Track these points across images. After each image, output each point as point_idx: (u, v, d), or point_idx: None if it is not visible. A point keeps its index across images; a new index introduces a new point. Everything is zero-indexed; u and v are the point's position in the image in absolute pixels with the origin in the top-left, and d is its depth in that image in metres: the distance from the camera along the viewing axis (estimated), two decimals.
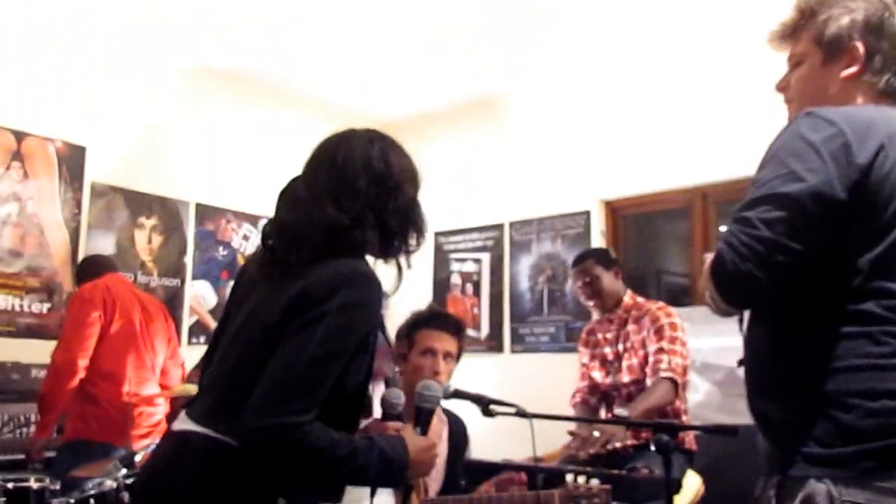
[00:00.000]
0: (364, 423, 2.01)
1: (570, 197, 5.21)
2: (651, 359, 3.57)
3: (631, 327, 3.72)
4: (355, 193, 1.74)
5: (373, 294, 1.66)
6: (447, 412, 3.13)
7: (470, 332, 5.50)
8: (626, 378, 3.68)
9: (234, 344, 1.76)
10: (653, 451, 3.39)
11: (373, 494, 1.89)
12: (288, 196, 1.86)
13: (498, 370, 5.25)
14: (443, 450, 3.05)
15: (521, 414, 2.59)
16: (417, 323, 3.03)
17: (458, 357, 3.03)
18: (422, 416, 1.85)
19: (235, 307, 1.86)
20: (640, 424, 3.44)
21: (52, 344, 3.95)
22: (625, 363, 3.70)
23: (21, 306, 4.48)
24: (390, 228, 1.77)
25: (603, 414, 3.86)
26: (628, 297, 3.82)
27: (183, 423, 1.73)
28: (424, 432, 1.82)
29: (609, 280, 3.81)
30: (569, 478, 2.75)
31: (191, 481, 1.65)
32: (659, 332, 3.59)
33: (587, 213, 5.14)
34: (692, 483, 3.57)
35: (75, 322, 3.77)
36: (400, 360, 3.02)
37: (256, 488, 1.63)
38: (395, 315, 5.39)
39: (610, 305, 3.81)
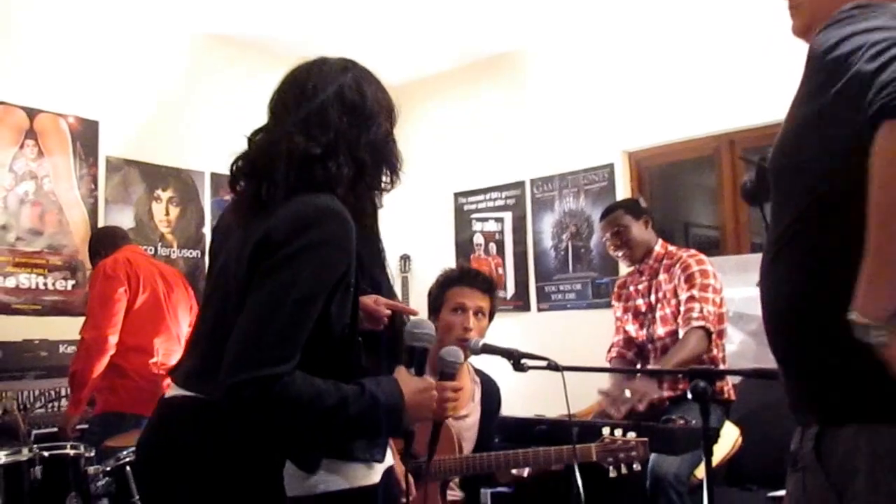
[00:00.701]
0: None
1: (591, 150, 5.10)
2: (682, 308, 3.48)
3: (662, 277, 3.64)
4: (326, 123, 1.64)
5: (340, 230, 1.56)
6: (479, 373, 3.11)
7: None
8: (660, 330, 3.61)
9: (211, 300, 1.68)
10: (689, 403, 3.38)
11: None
12: (258, 131, 1.74)
13: (525, 329, 5.20)
14: (476, 410, 3.02)
15: (553, 367, 2.53)
16: (448, 281, 3.01)
17: (490, 316, 2.99)
18: (415, 356, 1.75)
19: (213, 260, 1.77)
20: (676, 372, 3.40)
21: (79, 321, 3.93)
22: (658, 314, 3.62)
23: (45, 284, 4.47)
24: (363, 162, 1.66)
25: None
26: (659, 247, 3.72)
27: (171, 390, 1.68)
28: (419, 373, 1.72)
29: (638, 230, 3.71)
30: (605, 431, 2.72)
31: (178, 446, 1.59)
32: (689, 280, 3.50)
33: (610, 166, 5.03)
34: (730, 434, 3.53)
35: (101, 299, 3.75)
36: (431, 320, 2.99)
37: (246, 447, 1.56)
38: (419, 278, 5.41)
39: (640, 256, 3.72)
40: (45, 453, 2.66)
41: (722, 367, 3.61)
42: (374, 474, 2.06)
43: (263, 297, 1.49)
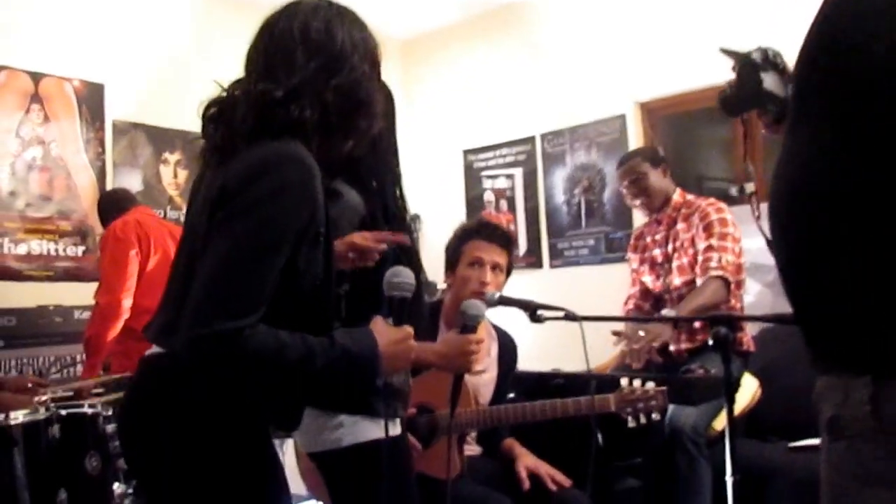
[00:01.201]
0: None
1: (602, 102, 5.01)
2: (700, 257, 3.42)
3: (680, 226, 3.57)
4: (291, 66, 1.57)
5: (299, 177, 1.49)
6: (497, 328, 3.08)
7: None
8: (677, 280, 3.55)
9: (179, 256, 1.64)
10: (708, 354, 3.35)
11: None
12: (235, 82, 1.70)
13: (538, 287, 5.10)
14: (493, 366, 3.00)
15: (570, 317, 2.50)
16: (465, 235, 2.97)
17: (507, 272, 2.94)
18: (394, 306, 1.70)
19: (186, 214, 1.72)
20: (696, 319, 3.37)
21: (91, 286, 3.93)
22: (675, 264, 3.56)
23: (56, 251, 4.46)
24: (330, 105, 1.59)
25: None
26: (678, 196, 3.66)
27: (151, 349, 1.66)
28: (398, 323, 1.67)
29: (656, 178, 3.63)
30: (623, 381, 2.69)
31: (153, 404, 1.56)
32: (708, 229, 3.44)
33: (622, 118, 4.94)
34: (749, 386, 3.49)
35: (113, 262, 3.73)
36: (448, 274, 2.95)
37: (220, 402, 1.52)
38: (430, 239, 5.37)
39: (658, 205, 3.65)
40: (63, 412, 2.64)
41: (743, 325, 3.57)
42: (395, 427, 2.05)
43: (220, 249, 1.45)
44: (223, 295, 1.41)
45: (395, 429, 2.08)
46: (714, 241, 3.40)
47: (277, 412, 1.66)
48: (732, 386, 2.31)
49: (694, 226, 3.51)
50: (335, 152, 1.68)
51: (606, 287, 4.31)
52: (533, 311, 2.66)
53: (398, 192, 2.16)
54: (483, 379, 2.96)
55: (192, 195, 1.70)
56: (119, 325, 3.66)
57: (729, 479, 2.27)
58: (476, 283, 2.85)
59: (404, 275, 1.74)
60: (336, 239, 1.95)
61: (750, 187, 2.30)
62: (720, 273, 3.34)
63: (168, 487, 1.58)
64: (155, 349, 1.61)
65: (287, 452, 3.90)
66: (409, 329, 1.67)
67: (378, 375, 1.60)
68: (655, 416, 2.64)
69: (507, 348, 3.07)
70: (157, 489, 1.64)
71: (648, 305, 3.76)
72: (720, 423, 3.24)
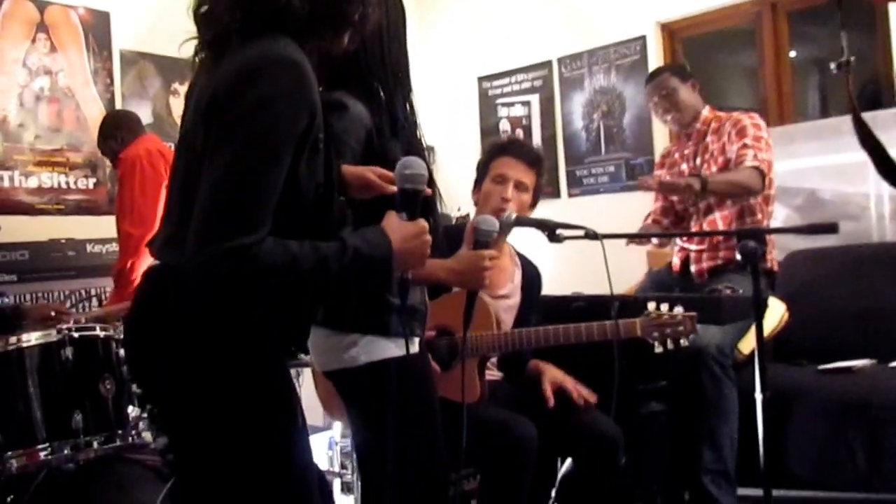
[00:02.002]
0: None
1: (621, 23, 4.83)
2: (733, 156, 3.34)
3: (710, 138, 3.50)
4: None
5: (292, 79, 1.43)
6: (520, 256, 3.00)
7: None
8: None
9: (177, 167, 1.57)
10: (733, 274, 3.27)
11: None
12: None
13: (556, 217, 5.00)
14: (516, 293, 2.93)
15: (591, 235, 2.44)
16: (494, 151, 2.90)
17: (534, 194, 2.85)
18: (407, 199, 1.62)
19: (182, 120, 1.66)
20: (719, 233, 3.32)
21: (103, 219, 3.87)
22: (703, 174, 3.45)
23: (67, 183, 4.40)
24: None
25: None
26: (707, 111, 3.58)
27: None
28: (412, 217, 1.60)
29: (686, 92, 3.56)
30: (650, 305, 2.61)
31: (156, 317, 1.51)
32: (741, 133, 3.36)
33: (642, 39, 4.77)
34: (776, 309, 3.42)
35: (144, 193, 3.64)
36: (475, 191, 2.91)
37: (220, 317, 1.47)
38: (444, 171, 5.27)
39: (688, 119, 3.56)
40: (76, 334, 2.61)
41: (771, 241, 3.48)
42: (413, 345, 2.00)
43: (219, 164, 1.38)
44: (229, 212, 1.37)
45: (413, 347, 2.02)
46: (748, 141, 3.33)
47: (285, 328, 1.61)
48: (762, 302, 2.23)
49: (725, 133, 3.44)
50: (333, 50, 1.60)
51: (627, 216, 4.19)
52: (551, 230, 2.60)
53: (408, 104, 2.07)
54: (505, 304, 2.89)
55: (187, 101, 1.63)
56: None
57: (758, 397, 2.20)
58: (497, 199, 2.77)
59: (417, 166, 1.65)
60: (345, 154, 1.87)
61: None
62: (756, 164, 3.27)
63: (171, 399, 1.55)
64: (155, 263, 1.57)
65: (303, 384, 3.90)
66: (423, 223, 1.61)
67: (393, 272, 1.55)
68: (684, 342, 2.55)
69: (532, 275, 3.00)
70: (162, 402, 1.61)
71: (667, 222, 3.71)
72: (747, 346, 3.17)
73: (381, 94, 2.00)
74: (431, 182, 2.10)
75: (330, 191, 1.57)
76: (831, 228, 2.16)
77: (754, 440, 2.22)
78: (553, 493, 3.00)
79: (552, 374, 2.78)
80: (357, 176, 1.84)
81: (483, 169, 2.89)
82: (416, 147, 2.04)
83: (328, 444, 3.91)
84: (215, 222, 1.36)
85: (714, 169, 3.43)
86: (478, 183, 2.90)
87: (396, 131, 2.01)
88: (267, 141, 1.40)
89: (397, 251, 1.53)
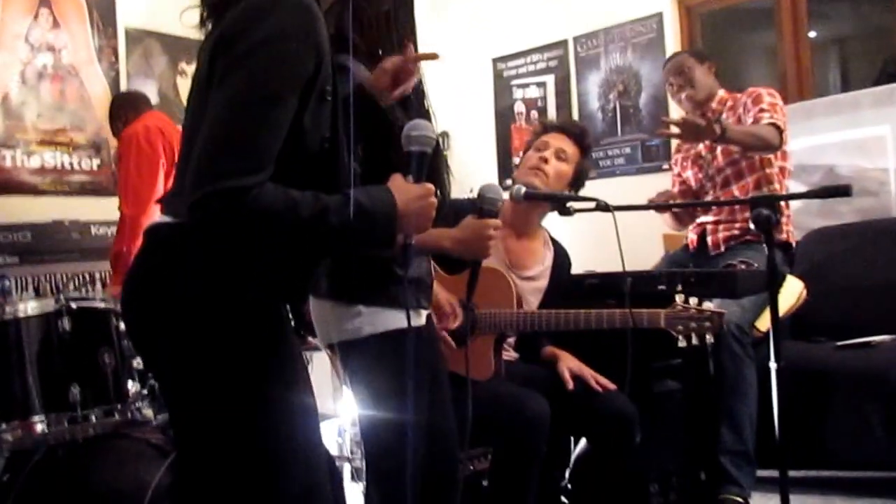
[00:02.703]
0: None
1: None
2: (751, 120, 3.30)
3: (727, 114, 3.44)
4: None
5: (300, 20, 1.37)
6: (554, 241, 2.96)
7: None
8: (721, 160, 3.42)
9: (186, 121, 1.51)
10: (748, 249, 3.18)
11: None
12: None
13: (583, 211, 4.93)
14: (545, 275, 2.86)
15: (602, 207, 2.38)
16: (542, 128, 2.89)
17: (576, 170, 2.79)
18: (413, 161, 1.57)
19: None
20: (735, 202, 3.27)
21: (107, 201, 3.80)
22: (719, 149, 3.42)
23: (71, 164, 4.33)
24: None
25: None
26: (723, 93, 3.55)
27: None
28: (418, 179, 1.54)
29: (702, 73, 3.54)
30: (679, 298, 2.51)
31: (154, 273, 1.45)
32: (757, 100, 3.32)
33: (659, 16, 4.66)
34: (794, 286, 3.35)
35: (140, 173, 3.57)
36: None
37: (219, 271, 1.40)
38: (459, 156, 5.18)
39: (702, 98, 3.52)
40: (74, 304, 2.54)
41: (786, 212, 3.40)
42: (419, 318, 1.96)
43: (221, 102, 1.33)
44: (229, 151, 1.31)
45: (419, 319, 1.97)
46: (764, 105, 3.29)
47: (285, 281, 1.53)
48: (776, 271, 2.12)
49: (741, 105, 3.40)
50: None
51: (644, 198, 4.11)
52: (562, 203, 2.52)
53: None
54: (533, 286, 2.82)
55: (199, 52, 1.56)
56: None
57: (773, 366, 2.10)
58: (535, 160, 2.75)
59: (424, 127, 1.59)
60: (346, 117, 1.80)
61: None
62: (773, 120, 3.23)
63: (167, 360, 1.48)
64: (161, 218, 1.49)
65: (314, 370, 3.82)
66: (429, 186, 1.54)
67: (396, 233, 1.48)
68: (709, 338, 2.45)
69: (562, 260, 2.93)
70: (158, 362, 1.53)
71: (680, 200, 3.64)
72: (763, 323, 3.09)
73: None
74: (439, 154, 2.04)
75: (336, 148, 1.51)
76: (844, 191, 2.07)
77: (773, 420, 2.12)
78: (567, 474, 2.92)
79: (570, 363, 2.71)
80: (374, 76, 1.82)
81: (529, 143, 2.88)
82: (422, 115, 1.99)
83: (338, 432, 3.83)
84: (214, 160, 1.30)
85: (720, 147, 3.40)
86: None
87: (403, 100, 1.95)
88: (272, 80, 1.34)
89: (401, 211, 1.46)
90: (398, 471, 1.78)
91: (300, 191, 1.36)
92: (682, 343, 2.46)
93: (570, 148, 2.77)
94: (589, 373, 2.66)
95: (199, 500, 1.56)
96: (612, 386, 2.62)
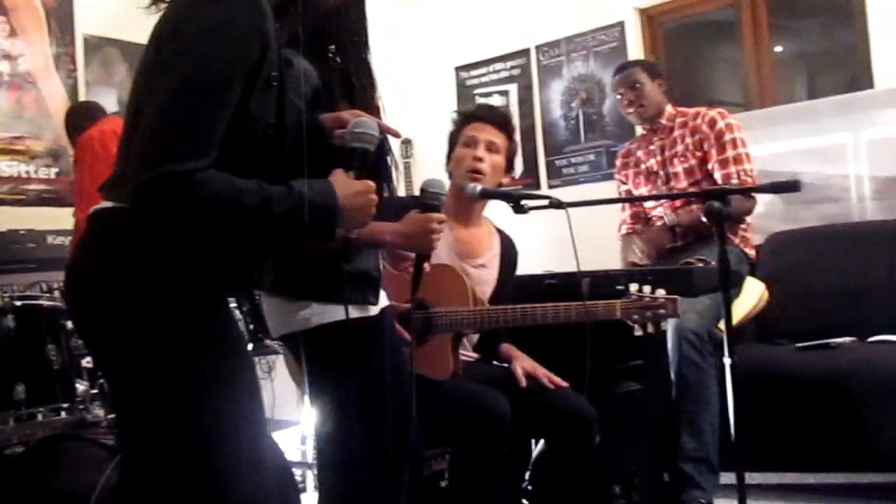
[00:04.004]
0: None
1: (599, 9, 4.76)
2: (718, 174, 3.35)
3: (678, 132, 3.50)
4: None
5: (246, 8, 1.39)
6: (500, 231, 2.96)
7: None
8: (683, 183, 3.44)
9: (130, 106, 1.50)
10: (705, 246, 3.18)
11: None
12: None
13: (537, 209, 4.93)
14: (494, 262, 2.87)
15: (556, 205, 2.36)
16: (462, 118, 2.86)
17: (507, 157, 2.80)
18: (355, 158, 1.60)
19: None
20: (687, 195, 3.29)
21: (66, 211, 3.75)
22: (679, 168, 3.46)
23: (28, 172, 4.26)
24: None
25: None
26: (671, 108, 3.58)
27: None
28: (359, 176, 1.58)
29: (652, 89, 3.56)
30: (633, 287, 2.50)
31: (93, 260, 1.44)
32: (719, 138, 3.36)
33: (621, 25, 4.70)
34: (755, 289, 3.37)
35: (95, 177, 3.51)
36: (449, 160, 2.84)
37: (160, 255, 1.39)
38: (422, 164, 5.16)
39: (650, 115, 3.57)
40: (18, 302, 2.50)
41: (745, 224, 3.46)
42: (371, 309, 1.96)
43: (166, 88, 1.34)
44: (171, 135, 1.32)
45: (368, 313, 1.97)
46: (729, 153, 3.35)
47: (227, 269, 1.53)
48: (729, 264, 2.12)
49: (700, 130, 3.43)
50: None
51: (608, 207, 4.12)
52: (517, 201, 2.52)
53: (365, 69, 2.00)
54: (484, 274, 2.82)
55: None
56: None
57: (727, 361, 2.09)
58: (469, 159, 2.72)
59: (366, 125, 1.63)
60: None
61: None
62: (742, 179, 3.30)
63: (107, 342, 1.46)
64: (104, 204, 1.48)
65: (276, 377, 3.77)
66: (370, 182, 1.57)
67: (336, 226, 1.50)
68: (665, 325, 2.46)
69: (509, 246, 2.94)
70: (100, 348, 1.52)
71: (641, 227, 3.67)
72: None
73: (336, 57, 1.95)
74: (383, 151, 2.04)
75: (282, 135, 1.51)
76: (793, 187, 2.10)
77: (738, 423, 2.11)
78: (527, 476, 2.89)
79: (524, 362, 2.70)
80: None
81: (453, 139, 2.85)
82: (371, 112, 1.98)
83: (300, 439, 3.79)
84: (156, 147, 1.31)
85: (693, 162, 3.44)
86: (450, 154, 2.85)
87: (351, 96, 1.94)
88: (217, 66, 1.35)
89: (342, 205, 1.48)
90: (346, 462, 1.77)
91: (245, 179, 1.36)
92: (638, 332, 2.46)
93: (497, 137, 2.77)
94: (542, 372, 2.64)
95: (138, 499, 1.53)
96: (564, 384, 2.61)
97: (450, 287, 2.56)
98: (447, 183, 2.16)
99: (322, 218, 1.46)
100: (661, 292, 2.48)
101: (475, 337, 2.86)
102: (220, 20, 1.36)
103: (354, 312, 1.90)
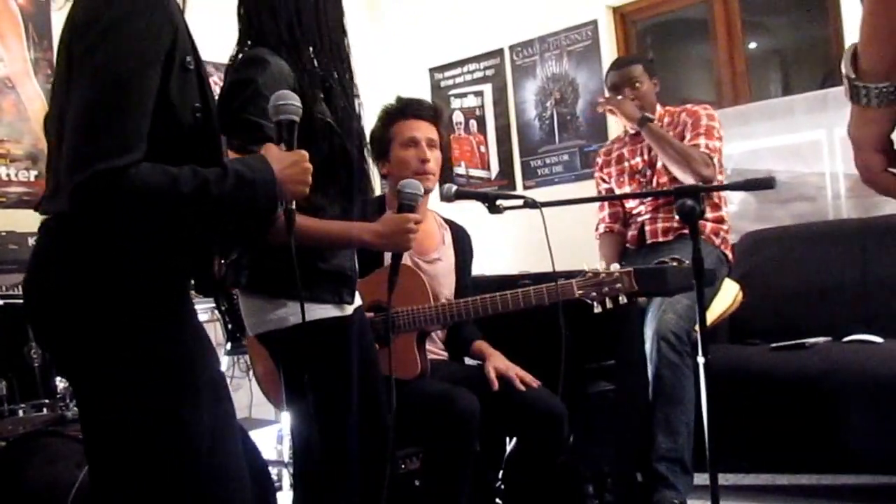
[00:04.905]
0: None
1: (572, 8, 4.77)
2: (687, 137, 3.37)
3: (665, 130, 3.47)
4: None
5: (138, 1, 1.40)
6: (448, 221, 2.97)
7: (480, 172, 5.24)
8: (664, 178, 3.42)
9: (52, 111, 1.52)
10: (682, 245, 3.22)
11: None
12: None
13: (512, 210, 4.96)
14: (448, 254, 2.90)
15: (530, 205, 2.43)
16: (390, 116, 2.80)
17: (442, 149, 2.82)
18: (283, 130, 1.65)
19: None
20: (664, 193, 3.29)
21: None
22: (660, 164, 3.44)
23: (8, 175, 4.27)
24: None
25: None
26: (660, 108, 3.58)
27: None
28: (290, 147, 1.63)
29: (649, 88, 3.57)
30: (585, 266, 2.55)
31: (43, 266, 1.46)
32: (696, 124, 3.37)
33: (594, 23, 4.71)
34: (730, 289, 3.40)
35: None
36: (381, 163, 2.80)
37: (110, 258, 1.40)
38: None
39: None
40: None
41: (726, 225, 3.47)
42: (347, 309, 2.03)
43: (84, 86, 1.35)
44: (98, 133, 1.32)
45: (343, 312, 2.03)
46: (701, 131, 3.35)
47: (181, 266, 1.54)
48: (702, 261, 2.19)
49: (681, 124, 3.44)
50: None
51: (583, 207, 4.17)
52: (491, 201, 2.56)
53: (344, 70, 2.06)
54: (440, 268, 2.86)
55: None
56: None
57: (701, 360, 2.15)
58: (416, 162, 2.72)
59: (288, 97, 1.67)
60: (264, 108, 1.81)
61: None
62: (707, 151, 3.29)
63: (65, 352, 1.48)
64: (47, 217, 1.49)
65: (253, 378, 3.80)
66: (302, 152, 1.61)
67: (276, 198, 1.53)
68: (622, 299, 2.48)
69: (461, 235, 2.98)
70: (60, 358, 1.54)
71: (619, 226, 3.67)
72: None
73: (314, 58, 2.01)
74: (362, 147, 2.10)
75: (209, 118, 1.53)
76: (767, 184, 2.14)
77: (713, 425, 2.15)
78: (500, 475, 2.93)
79: (496, 362, 2.73)
80: None
81: (384, 138, 2.79)
82: (348, 112, 2.04)
83: (277, 438, 3.82)
84: (85, 145, 1.32)
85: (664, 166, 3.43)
86: (383, 154, 2.80)
87: (328, 96, 2.00)
88: (129, 58, 1.37)
89: (279, 178, 1.51)
90: (321, 461, 1.82)
91: (178, 166, 1.37)
92: (597, 309, 2.49)
93: (433, 132, 2.78)
94: (515, 372, 2.67)
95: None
96: (535, 383, 2.64)
97: (407, 285, 2.57)
98: (420, 185, 2.18)
99: (262, 193, 1.48)
100: (615, 266, 2.52)
101: (443, 333, 2.89)
102: (124, 13, 1.38)
103: (331, 311, 1.97)
